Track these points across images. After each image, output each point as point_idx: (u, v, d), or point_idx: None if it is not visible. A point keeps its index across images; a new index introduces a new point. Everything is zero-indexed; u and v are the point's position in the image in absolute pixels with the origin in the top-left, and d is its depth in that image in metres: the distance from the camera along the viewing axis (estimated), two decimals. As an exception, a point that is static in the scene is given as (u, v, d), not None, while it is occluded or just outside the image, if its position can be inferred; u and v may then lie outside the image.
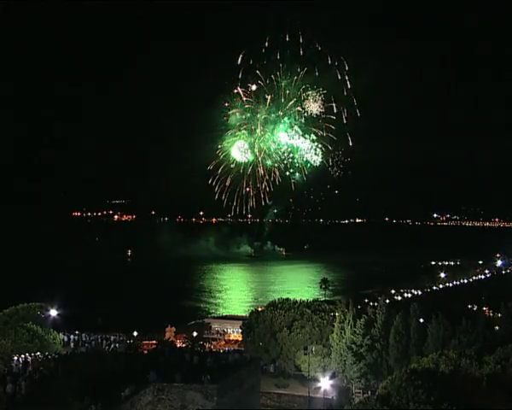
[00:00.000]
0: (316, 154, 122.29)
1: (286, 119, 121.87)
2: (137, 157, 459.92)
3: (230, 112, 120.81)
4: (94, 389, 34.50)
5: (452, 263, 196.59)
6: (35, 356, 46.09)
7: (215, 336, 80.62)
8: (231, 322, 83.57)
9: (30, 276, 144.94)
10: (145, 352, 52.69)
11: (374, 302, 74.36)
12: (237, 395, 39.54)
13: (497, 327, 56.63)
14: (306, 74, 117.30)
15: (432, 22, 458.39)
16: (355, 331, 53.60)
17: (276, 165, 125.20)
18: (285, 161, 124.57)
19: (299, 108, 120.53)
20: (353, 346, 53.00)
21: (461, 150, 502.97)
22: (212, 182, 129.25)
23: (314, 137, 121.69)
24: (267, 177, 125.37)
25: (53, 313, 60.52)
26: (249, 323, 60.94)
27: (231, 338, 79.22)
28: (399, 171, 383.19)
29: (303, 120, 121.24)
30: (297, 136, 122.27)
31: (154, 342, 67.18)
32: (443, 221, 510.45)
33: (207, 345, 67.76)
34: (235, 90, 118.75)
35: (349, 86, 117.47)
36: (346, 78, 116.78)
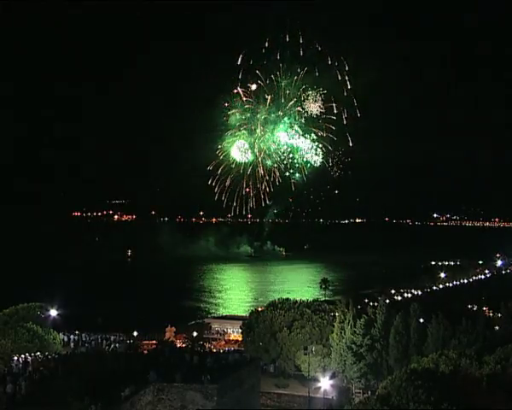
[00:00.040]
0: (316, 154, 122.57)
1: (286, 119, 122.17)
2: (137, 157, 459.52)
3: (230, 112, 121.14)
4: (94, 389, 34.50)
5: (452, 263, 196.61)
6: (35, 356, 46.09)
7: (215, 336, 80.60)
8: (231, 322, 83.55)
9: (30, 276, 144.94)
10: (145, 352, 52.67)
11: (374, 302, 74.34)
12: (237, 395, 39.54)
13: (497, 327, 56.62)
14: (306, 74, 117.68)
15: (432, 22, 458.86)
16: (355, 331, 53.60)
17: (275, 165, 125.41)
18: (285, 162, 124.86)
19: (299, 109, 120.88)
20: (353, 346, 53.01)
21: (461, 150, 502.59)
22: (212, 182, 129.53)
23: (314, 137, 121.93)
24: (267, 177, 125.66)
25: (53, 313, 60.55)
26: (249, 323, 60.95)
27: (231, 338, 79.21)
28: (399, 171, 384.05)
29: (303, 121, 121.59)
30: (297, 136, 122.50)
31: (154, 342, 67.18)
32: (443, 221, 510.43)
33: (207, 345, 67.76)
34: (235, 90, 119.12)
35: (349, 86, 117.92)
36: (346, 78, 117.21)
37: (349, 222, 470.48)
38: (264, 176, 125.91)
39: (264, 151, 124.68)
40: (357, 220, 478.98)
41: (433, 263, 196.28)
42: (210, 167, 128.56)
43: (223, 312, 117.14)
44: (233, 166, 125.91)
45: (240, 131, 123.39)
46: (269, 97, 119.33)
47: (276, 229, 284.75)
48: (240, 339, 70.04)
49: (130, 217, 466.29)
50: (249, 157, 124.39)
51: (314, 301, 69.58)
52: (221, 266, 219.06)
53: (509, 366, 29.90)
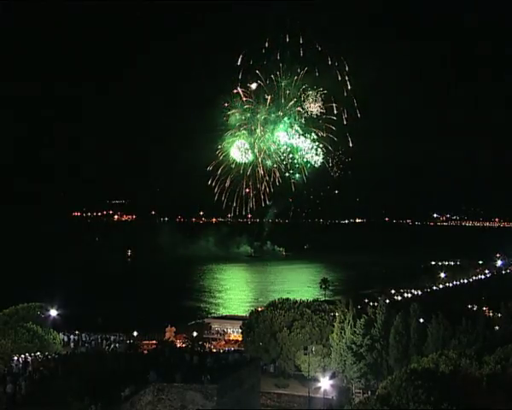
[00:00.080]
0: (316, 154, 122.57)
1: (286, 119, 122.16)
2: (137, 157, 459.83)
3: (230, 112, 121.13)
4: (94, 389, 34.52)
5: (452, 263, 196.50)
6: (35, 356, 46.10)
7: (215, 336, 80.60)
8: (231, 322, 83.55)
9: (30, 276, 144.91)
10: (145, 352, 52.71)
11: (374, 302, 74.30)
12: (237, 395, 39.54)
13: (497, 327, 56.60)
14: (306, 74, 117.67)
15: (432, 22, 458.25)
16: (355, 331, 53.60)
17: (275, 165, 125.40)
18: (285, 162, 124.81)
19: (299, 109, 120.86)
20: (353, 346, 53.01)
21: (461, 150, 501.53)
22: (211, 182, 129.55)
23: (314, 138, 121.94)
24: (267, 177, 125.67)
25: (53, 313, 60.55)
26: (249, 323, 60.95)
27: (231, 338, 79.20)
28: (399, 171, 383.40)
29: (303, 121, 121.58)
30: (297, 136, 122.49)
31: (154, 342, 67.20)
32: (443, 221, 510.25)
33: (207, 345, 67.81)
34: (235, 91, 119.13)
35: (349, 87, 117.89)
36: (346, 78, 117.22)
37: (349, 222, 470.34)
38: (264, 176, 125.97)
39: (264, 151, 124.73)
40: (357, 220, 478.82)
41: (433, 263, 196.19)
42: (210, 168, 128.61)
43: (223, 312, 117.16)
44: (233, 166, 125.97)
45: (240, 131, 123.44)
46: (269, 97, 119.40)
47: (276, 229, 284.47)
48: (240, 339, 70.04)
49: (130, 217, 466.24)
50: (249, 157, 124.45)
51: (314, 301, 69.56)
52: (221, 266, 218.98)
53: (509, 366, 29.90)
